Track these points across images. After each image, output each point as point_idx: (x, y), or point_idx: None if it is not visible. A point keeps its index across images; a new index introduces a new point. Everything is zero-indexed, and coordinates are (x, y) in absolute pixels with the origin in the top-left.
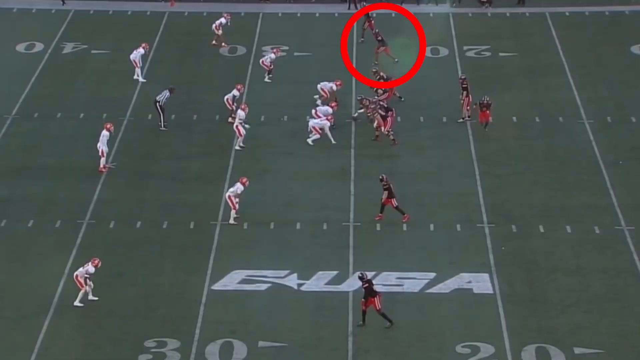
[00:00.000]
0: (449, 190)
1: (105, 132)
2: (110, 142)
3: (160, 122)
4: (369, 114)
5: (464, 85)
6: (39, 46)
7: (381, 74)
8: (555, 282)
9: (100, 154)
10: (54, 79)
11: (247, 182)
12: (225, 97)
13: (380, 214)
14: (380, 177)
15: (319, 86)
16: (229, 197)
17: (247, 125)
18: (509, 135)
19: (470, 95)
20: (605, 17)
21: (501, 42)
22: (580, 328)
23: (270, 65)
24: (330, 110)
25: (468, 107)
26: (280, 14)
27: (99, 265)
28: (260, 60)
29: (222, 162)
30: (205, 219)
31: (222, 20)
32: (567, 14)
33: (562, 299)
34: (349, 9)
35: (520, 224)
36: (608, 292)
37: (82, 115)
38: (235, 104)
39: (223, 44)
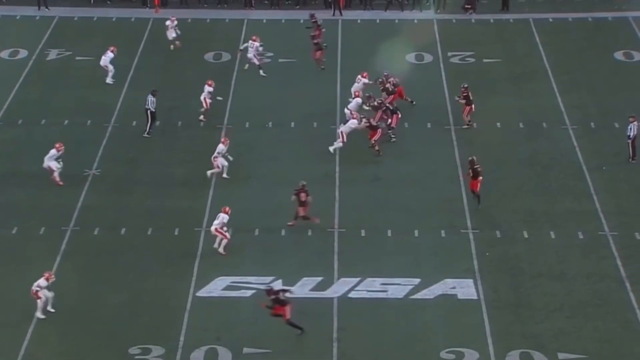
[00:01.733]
0: (433, 196)
1: (53, 151)
2: (94, 148)
3: (147, 128)
4: (370, 120)
5: (464, 95)
6: (23, 53)
7: (390, 79)
8: (540, 287)
9: (48, 170)
10: (39, 86)
11: (230, 211)
12: (202, 97)
13: (300, 219)
14: (301, 185)
15: (352, 89)
16: (217, 230)
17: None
18: (493, 141)
19: (472, 105)
20: (589, 24)
21: (485, 48)
22: (564, 333)
23: (259, 59)
24: (359, 100)
25: (468, 115)
26: (264, 21)
27: (51, 278)
28: (249, 57)
29: (207, 169)
30: (190, 226)
31: (168, 22)
32: (550, 20)
33: (546, 304)
34: (333, 15)
35: (504, 229)
36: (592, 297)
37: (66, 122)
38: (211, 99)
39: (174, 44)
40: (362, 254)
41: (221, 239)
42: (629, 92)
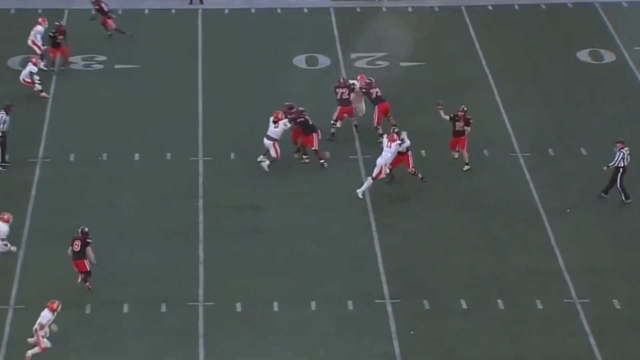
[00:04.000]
0: (335, 253)
1: None
2: None
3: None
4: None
5: (456, 119)
6: None
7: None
8: None
9: None
10: None
11: (58, 306)
12: (21, 78)
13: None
14: (80, 230)
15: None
16: (36, 330)
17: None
18: (418, 175)
19: (462, 136)
20: (542, 12)
21: (403, 48)
22: None
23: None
24: (287, 122)
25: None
26: (93, 11)
27: None
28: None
29: (18, 218)
30: None
31: None
32: (490, 7)
33: None
34: (191, 3)
35: (435, 297)
36: None
37: None
38: (37, 77)
39: None
40: (238, 337)
41: (35, 344)
42: (597, 105)
